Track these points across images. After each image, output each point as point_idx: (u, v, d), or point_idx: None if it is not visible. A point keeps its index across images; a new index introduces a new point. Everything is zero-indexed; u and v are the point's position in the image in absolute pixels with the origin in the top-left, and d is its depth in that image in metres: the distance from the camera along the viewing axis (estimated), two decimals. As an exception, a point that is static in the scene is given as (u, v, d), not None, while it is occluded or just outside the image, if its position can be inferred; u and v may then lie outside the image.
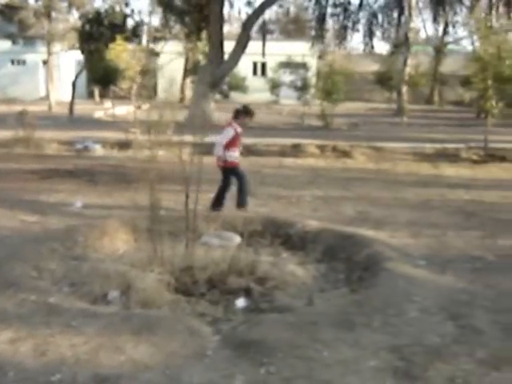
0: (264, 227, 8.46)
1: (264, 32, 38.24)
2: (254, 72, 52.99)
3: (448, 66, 49.09)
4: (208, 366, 4.49)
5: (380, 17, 30.33)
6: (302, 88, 31.66)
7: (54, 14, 35.64)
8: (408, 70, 36.95)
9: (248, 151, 17.16)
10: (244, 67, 46.26)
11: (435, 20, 33.10)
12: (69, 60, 46.82)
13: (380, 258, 7.08)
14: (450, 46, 51.04)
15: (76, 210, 9.93)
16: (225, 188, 9.84)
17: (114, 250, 7.75)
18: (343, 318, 5.38)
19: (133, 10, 30.79)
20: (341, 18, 29.89)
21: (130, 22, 30.23)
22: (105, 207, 10.07)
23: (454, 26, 42.24)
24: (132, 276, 6.19)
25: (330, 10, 29.89)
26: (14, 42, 39.10)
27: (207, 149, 15.31)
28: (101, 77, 30.66)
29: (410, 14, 34.91)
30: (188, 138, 7.01)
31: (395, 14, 30.45)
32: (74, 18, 37.13)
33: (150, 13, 34.52)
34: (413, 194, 11.86)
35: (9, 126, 17.82)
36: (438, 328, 5.30)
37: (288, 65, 37.70)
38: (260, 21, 32.80)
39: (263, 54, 36.26)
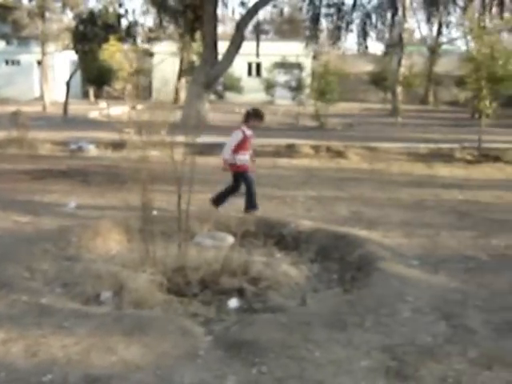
0: (257, 227, 8.45)
1: (258, 32, 38.25)
2: (249, 72, 53.10)
3: (442, 66, 49.22)
4: (200, 367, 4.48)
5: (374, 17, 30.37)
6: (297, 88, 31.70)
7: (47, 15, 35.64)
8: (402, 70, 37.00)
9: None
10: (239, 67, 46.38)
11: (429, 20, 33.19)
12: (63, 60, 46.84)
13: (373, 257, 7.08)
14: (444, 47, 51.18)
15: (69, 210, 9.90)
16: (232, 190, 9.77)
17: (107, 250, 7.74)
18: (336, 318, 5.37)
19: (127, 10, 30.63)
20: (334, 18, 29.92)
21: (124, 23, 30.21)
22: (98, 208, 10.05)
23: (447, 27, 42.39)
24: (124, 276, 6.18)
25: (323, 10, 29.93)
26: (8, 43, 39.06)
27: (201, 149, 15.37)
28: (95, 77, 30.68)
29: (404, 15, 34.99)
30: (182, 138, 7.00)
31: (389, 15, 30.48)
32: (68, 18, 37.12)
33: (144, 13, 34.44)
34: (407, 194, 11.87)
35: (2, 127, 17.82)
36: (430, 328, 5.30)
37: (283, 65, 37.76)
38: (254, 21, 32.79)
39: (257, 55, 36.27)
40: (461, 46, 45.42)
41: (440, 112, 40.71)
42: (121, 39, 27.55)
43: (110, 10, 29.51)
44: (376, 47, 68.97)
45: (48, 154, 17.14)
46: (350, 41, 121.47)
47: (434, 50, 50.09)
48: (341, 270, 7.14)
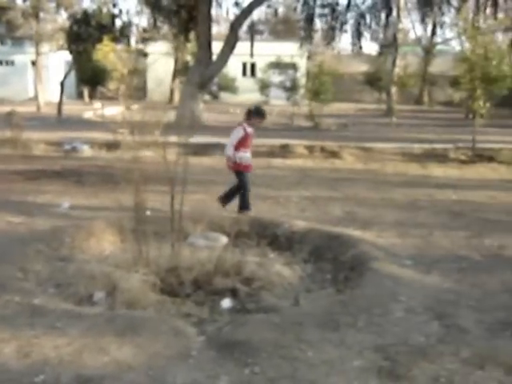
0: (251, 228, 8.46)
1: (252, 32, 38.23)
2: (244, 72, 53.10)
3: (437, 66, 49.25)
4: (192, 367, 4.47)
5: (368, 17, 30.42)
6: (292, 88, 31.71)
7: (42, 15, 35.55)
8: (397, 70, 37.04)
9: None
10: (233, 68, 46.42)
11: (423, 21, 33.26)
12: (58, 60, 46.76)
13: (366, 258, 7.09)
14: (439, 47, 51.20)
15: (63, 210, 9.89)
16: (239, 189, 9.69)
17: (101, 250, 7.74)
18: (329, 318, 5.37)
19: (121, 11, 30.56)
20: (329, 18, 29.96)
21: (118, 23, 30.16)
22: (92, 208, 10.04)
23: (441, 27, 42.41)
24: (117, 277, 6.16)
25: (318, 11, 29.96)
26: (2, 43, 38.91)
27: (195, 149, 15.37)
28: (89, 77, 30.65)
29: (398, 15, 35.05)
30: (176, 138, 7.00)
31: (383, 15, 30.53)
32: (63, 18, 37.02)
33: (138, 13, 34.39)
34: (401, 195, 11.88)
35: (-3, 127, 17.79)
36: (423, 328, 5.31)
37: (277, 65, 37.77)
38: (248, 21, 32.80)
39: (251, 55, 36.26)
40: (455, 46, 45.48)
41: (434, 112, 40.78)
42: (115, 39, 27.49)
43: (104, 10, 29.45)
44: (371, 47, 69.08)
45: (42, 154, 17.11)
46: (345, 41, 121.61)
47: (428, 51, 50.15)
48: (334, 270, 7.14)
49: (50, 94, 42.27)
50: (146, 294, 5.92)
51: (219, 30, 55.74)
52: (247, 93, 46.79)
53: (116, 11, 30.30)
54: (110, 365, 4.46)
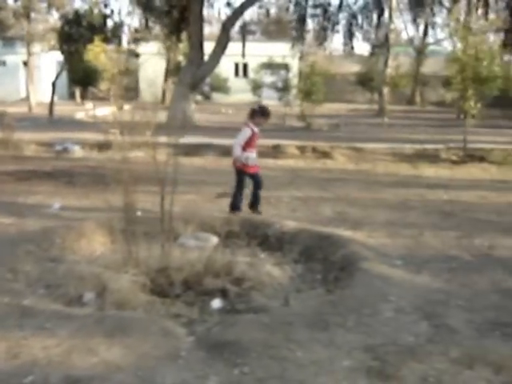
0: (242, 228, 8.46)
1: (244, 33, 38.19)
2: (236, 73, 53.08)
3: (429, 66, 49.33)
4: (181, 367, 4.47)
5: (360, 18, 30.49)
6: (284, 89, 31.73)
7: (33, 15, 35.47)
8: (389, 71, 37.10)
9: (228, 152, 17.16)
10: (226, 68, 46.41)
11: (415, 21, 33.35)
12: (49, 61, 46.63)
13: (356, 258, 7.09)
14: (431, 47, 51.30)
15: (53, 211, 9.87)
16: (256, 187, 9.65)
17: (91, 251, 7.72)
18: (318, 319, 5.37)
19: (112, 11, 30.56)
20: (320, 19, 30.00)
21: (109, 23, 30.12)
22: (82, 209, 10.02)
23: (433, 28, 42.56)
24: (107, 277, 6.16)
25: (309, 11, 30.03)
26: (-7, 43, 38.90)
27: (186, 150, 15.35)
28: (81, 78, 30.58)
29: (390, 15, 35.10)
30: (167, 139, 6.99)
31: (375, 15, 30.60)
32: (54, 18, 36.96)
33: (130, 13, 34.36)
34: (392, 195, 11.89)
35: (-13, 128, 17.72)
36: (412, 327, 5.32)
37: (269, 66, 37.76)
38: (240, 21, 32.81)
39: (243, 55, 36.27)
40: (447, 46, 45.58)
41: (426, 112, 40.82)
42: (106, 40, 27.46)
43: (96, 10, 29.40)
44: (363, 48, 69.14)
45: (33, 155, 17.07)
46: (337, 41, 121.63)
47: (420, 51, 50.24)
48: (324, 270, 7.14)
49: (41, 94, 42.17)
50: (135, 295, 5.91)
51: (211, 30, 55.69)
52: (239, 93, 46.82)
53: (108, 11, 30.31)
54: (98, 365, 4.45)
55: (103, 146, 16.72)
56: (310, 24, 31.60)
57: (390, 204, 11.03)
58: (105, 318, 5.27)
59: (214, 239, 7.95)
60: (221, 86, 49.32)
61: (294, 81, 34.13)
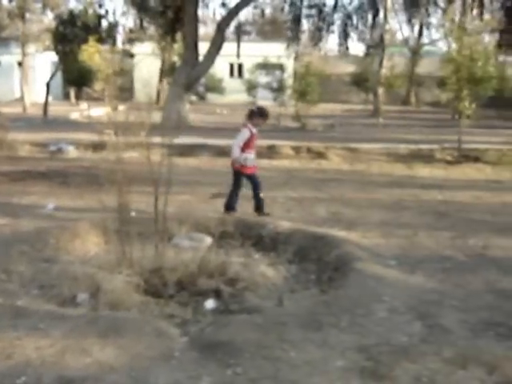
0: (236, 228, 8.46)
1: (239, 33, 38.23)
2: (231, 73, 53.05)
3: (424, 67, 49.37)
4: (174, 368, 4.47)
5: (355, 18, 30.51)
6: (279, 89, 31.73)
7: (28, 15, 35.40)
8: (384, 71, 37.13)
9: (222, 152, 17.18)
10: (220, 68, 46.40)
11: (410, 21, 33.38)
12: (44, 61, 46.55)
13: (350, 258, 7.10)
14: (426, 48, 51.37)
15: (48, 212, 9.86)
16: (255, 188, 9.60)
17: (85, 252, 7.71)
18: (312, 319, 5.37)
19: (107, 11, 30.49)
20: (316, 19, 30.02)
21: (104, 23, 30.08)
22: (77, 209, 10.01)
23: (428, 28, 42.64)
24: (100, 278, 6.15)
25: (305, 12, 30.04)
26: (-13, 44, 38.83)
27: (181, 150, 15.34)
28: (75, 78, 30.54)
29: (385, 16, 35.14)
30: (163, 139, 6.99)
31: (370, 16, 30.63)
32: (49, 19, 36.92)
33: (124, 13, 34.31)
34: (386, 195, 11.90)
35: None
36: (406, 328, 5.32)
37: (265, 66, 37.75)
38: (235, 22, 32.82)
39: (238, 55, 36.26)
40: (442, 47, 45.66)
41: (421, 113, 40.86)
42: (100, 40, 27.44)
43: (90, 10, 29.35)
44: (358, 48, 69.14)
45: (27, 155, 17.04)
46: (332, 42, 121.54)
47: (415, 51, 50.31)
48: (318, 270, 7.14)
49: (36, 94, 42.09)
50: (129, 295, 5.91)
51: (206, 30, 55.71)
52: (234, 93, 46.82)
53: (102, 12, 30.27)
54: (92, 366, 4.45)
55: (98, 147, 16.69)
56: (305, 24, 31.66)
57: (385, 204, 11.03)
58: (98, 319, 5.26)
59: (208, 240, 7.94)
60: (216, 87, 49.30)
61: (289, 81, 34.15)
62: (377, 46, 36.42)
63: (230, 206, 9.53)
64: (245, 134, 9.42)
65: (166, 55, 43.42)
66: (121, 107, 9.40)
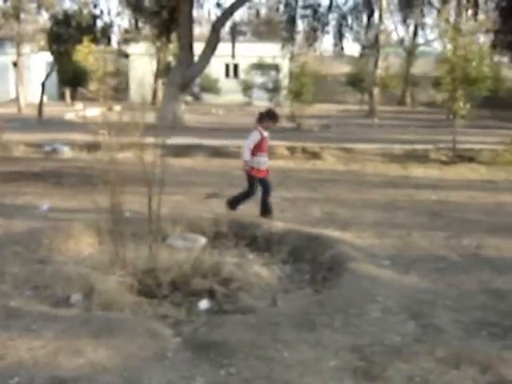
0: (230, 228, 8.46)
1: (234, 33, 38.24)
2: (227, 74, 53.00)
3: (420, 67, 49.46)
4: (167, 368, 4.46)
5: (350, 19, 30.51)
6: (274, 90, 31.77)
7: (22, 16, 35.29)
8: (379, 71, 37.14)
9: (218, 153, 17.20)
10: (216, 69, 46.34)
11: (405, 22, 33.40)
12: (39, 61, 46.46)
13: (344, 258, 7.10)
14: (421, 48, 51.46)
15: (42, 212, 9.84)
16: (265, 192, 9.54)
17: (79, 252, 7.70)
18: (305, 319, 5.37)
19: (102, 11, 30.45)
20: (311, 19, 30.02)
21: (99, 24, 30.02)
22: (71, 210, 9.99)
23: (423, 28, 42.68)
24: (94, 279, 6.14)
25: (300, 12, 30.02)
26: (-17, 44, 38.75)
27: (176, 150, 15.34)
28: (70, 78, 30.50)
29: (380, 16, 35.14)
30: (157, 140, 6.98)
31: (365, 16, 30.64)
32: (44, 19, 36.84)
33: (119, 14, 34.25)
34: (380, 195, 11.92)
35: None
36: (399, 327, 5.33)
37: (260, 66, 37.81)
38: (231, 22, 32.79)
39: (233, 56, 36.30)
40: (437, 47, 45.74)
41: (417, 113, 40.92)
42: (95, 40, 27.40)
43: (85, 11, 29.30)
44: (353, 48, 69.20)
45: (22, 156, 17.03)
46: (327, 42, 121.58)
47: (410, 52, 50.39)
48: (312, 270, 7.15)
49: (31, 95, 42.01)
50: (123, 296, 5.90)
51: (201, 31, 55.65)
52: (230, 94, 46.84)
53: (97, 12, 30.22)
54: (85, 366, 4.44)
55: (92, 147, 16.67)
56: (300, 25, 31.61)
57: (379, 204, 11.04)
58: (91, 319, 5.25)
59: (203, 240, 7.94)
60: (211, 87, 49.28)
61: (285, 81, 34.18)
62: (372, 47, 36.45)
63: (234, 204, 9.54)
64: (255, 137, 9.37)
65: (161, 55, 43.40)
66: (116, 107, 9.40)
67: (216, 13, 39.52)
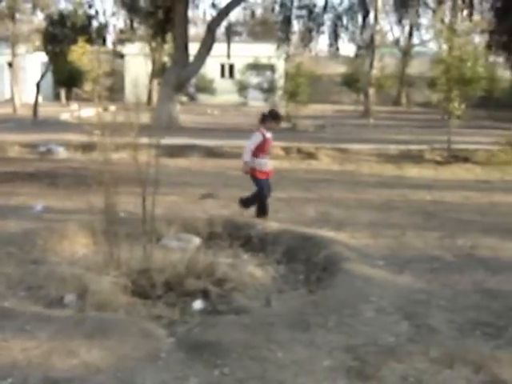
0: (224, 229, 8.45)
1: (229, 34, 38.22)
2: (222, 74, 52.96)
3: (415, 67, 49.56)
4: (161, 369, 4.46)
5: (345, 19, 30.51)
6: (269, 90, 31.76)
7: (18, 16, 35.25)
8: (374, 72, 37.17)
9: (212, 153, 17.20)
10: (211, 69, 46.31)
11: (400, 22, 33.43)
12: (34, 62, 46.37)
13: (338, 258, 7.11)
14: (416, 48, 51.54)
15: (36, 213, 9.82)
16: (258, 195, 9.51)
17: (73, 253, 7.70)
18: (299, 319, 5.38)
19: (97, 12, 30.37)
20: (306, 20, 30.02)
21: (94, 24, 29.96)
22: (65, 210, 9.97)
23: (418, 29, 42.73)
24: (88, 279, 6.13)
25: (295, 12, 30.02)
26: (-22, 45, 38.66)
27: (171, 151, 15.33)
28: (66, 79, 30.45)
29: (375, 17, 35.17)
30: (152, 140, 6.97)
31: (360, 17, 30.65)
32: (39, 19, 36.77)
33: (114, 14, 34.22)
34: (375, 195, 11.92)
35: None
36: (393, 327, 5.33)
37: (255, 67, 37.80)
38: (226, 22, 32.80)
39: (228, 56, 36.29)
40: (433, 47, 45.80)
41: (412, 113, 40.95)
42: (90, 41, 27.36)
43: (80, 11, 29.26)
44: (348, 49, 69.23)
45: (17, 156, 17.01)
46: (323, 43, 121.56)
47: (406, 52, 50.47)
48: (307, 270, 7.16)
49: (26, 95, 41.93)
50: (116, 296, 5.89)
51: (197, 31, 55.61)
52: (225, 94, 46.82)
53: (92, 12, 30.17)
54: (78, 367, 4.44)
55: (87, 147, 16.66)
56: (296, 25, 31.60)
57: (374, 205, 11.05)
58: (85, 320, 5.25)
59: (197, 240, 7.94)
60: (207, 87, 49.25)
61: (280, 82, 34.17)
62: (367, 47, 36.45)
63: (246, 203, 9.56)
64: (257, 138, 9.33)
65: (156, 56, 43.37)
66: (111, 108, 9.37)
67: (211, 13, 39.50)
